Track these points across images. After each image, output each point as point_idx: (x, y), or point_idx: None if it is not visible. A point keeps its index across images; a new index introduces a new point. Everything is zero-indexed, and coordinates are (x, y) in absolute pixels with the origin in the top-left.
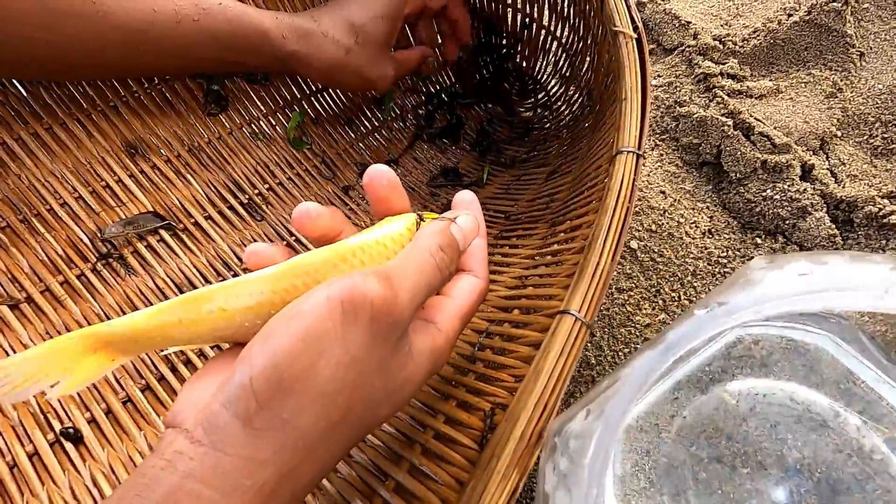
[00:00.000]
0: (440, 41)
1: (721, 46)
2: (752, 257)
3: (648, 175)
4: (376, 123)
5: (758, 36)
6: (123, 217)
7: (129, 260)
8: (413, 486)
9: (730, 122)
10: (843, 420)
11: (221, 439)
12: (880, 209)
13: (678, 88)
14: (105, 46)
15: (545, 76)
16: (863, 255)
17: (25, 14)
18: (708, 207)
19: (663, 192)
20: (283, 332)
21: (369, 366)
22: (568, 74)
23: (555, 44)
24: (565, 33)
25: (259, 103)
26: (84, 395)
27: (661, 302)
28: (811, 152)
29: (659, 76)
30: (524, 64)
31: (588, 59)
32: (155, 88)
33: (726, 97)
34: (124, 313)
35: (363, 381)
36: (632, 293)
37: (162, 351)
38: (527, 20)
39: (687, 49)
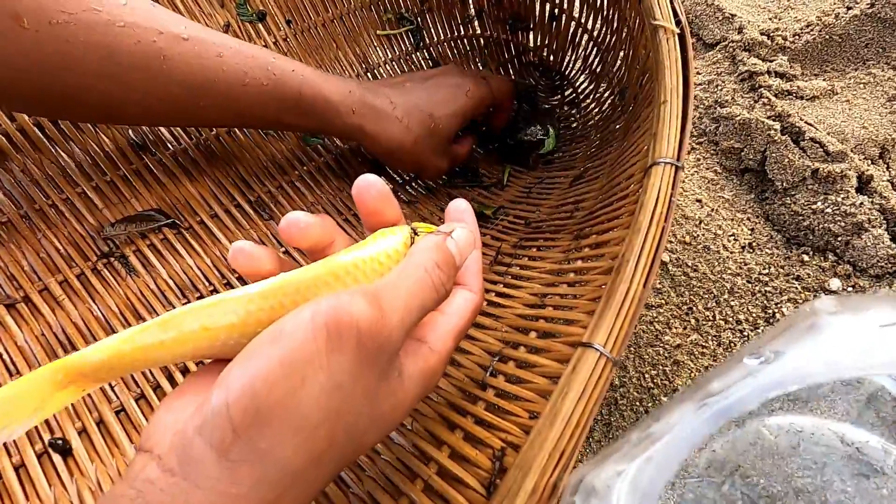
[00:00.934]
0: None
1: (769, 42)
2: (798, 276)
3: (684, 182)
4: None
5: (811, 31)
6: (127, 214)
7: (130, 259)
8: None
9: (777, 126)
10: None
11: (195, 470)
12: None
13: (719, 87)
14: (164, 99)
15: (573, 72)
16: None
17: (90, 63)
18: (749, 219)
19: (699, 201)
20: (264, 355)
21: (355, 392)
22: (599, 70)
23: (585, 37)
24: (597, 26)
25: None
26: (77, 405)
27: (693, 321)
28: (869, 161)
29: (698, 73)
30: (551, 58)
31: (622, 54)
32: None
33: (773, 98)
34: (123, 317)
35: (348, 408)
36: (661, 310)
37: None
38: (555, 11)
39: (731, 44)
